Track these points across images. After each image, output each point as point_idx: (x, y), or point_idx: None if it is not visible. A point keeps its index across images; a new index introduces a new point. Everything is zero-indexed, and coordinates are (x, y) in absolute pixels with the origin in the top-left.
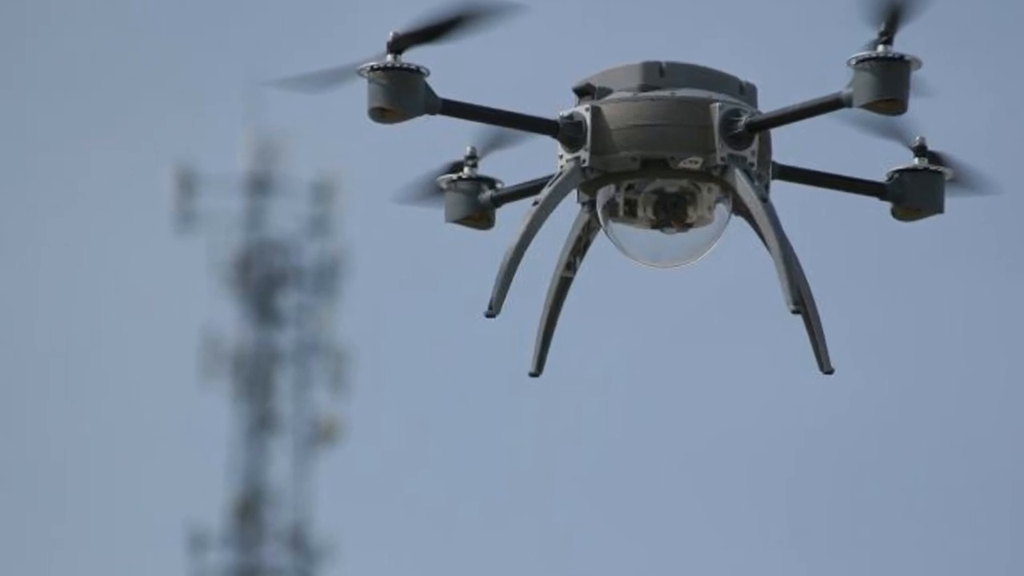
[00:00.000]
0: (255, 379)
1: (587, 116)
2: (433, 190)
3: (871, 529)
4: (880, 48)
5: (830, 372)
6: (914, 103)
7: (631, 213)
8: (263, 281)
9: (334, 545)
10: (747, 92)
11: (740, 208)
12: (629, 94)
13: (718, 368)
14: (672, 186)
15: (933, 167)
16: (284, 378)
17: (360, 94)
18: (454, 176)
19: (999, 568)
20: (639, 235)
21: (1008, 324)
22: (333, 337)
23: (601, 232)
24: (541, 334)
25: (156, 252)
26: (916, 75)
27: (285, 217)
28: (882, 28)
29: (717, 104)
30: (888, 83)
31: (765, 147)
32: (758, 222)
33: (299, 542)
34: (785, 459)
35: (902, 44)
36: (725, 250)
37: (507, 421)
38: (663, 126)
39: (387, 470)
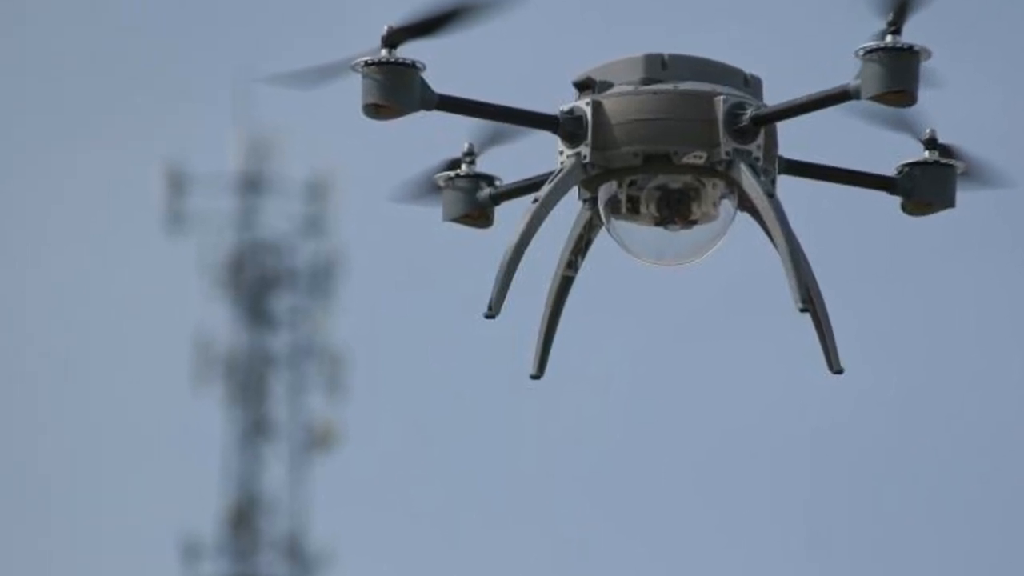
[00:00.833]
0: (249, 383)
1: (588, 111)
2: (430, 188)
3: (882, 530)
4: (888, 38)
5: (839, 372)
6: (924, 95)
7: (634, 210)
8: (256, 283)
9: (331, 553)
10: (752, 85)
11: (746, 204)
12: (631, 88)
13: (723, 368)
14: (676, 182)
15: (944, 160)
16: (278, 382)
17: (354, 90)
18: (451, 173)
19: (1014, 567)
20: (642, 233)
21: (1021, 320)
22: (328, 340)
23: (603, 230)
24: (542, 335)
25: (146, 253)
26: (926, 66)
27: (278, 217)
28: (890, 18)
29: (721, 97)
30: (897, 74)
31: (771, 141)
32: (764, 218)
33: (295, 551)
34: (792, 460)
35: (911, 34)
36: (730, 247)
37: (507, 424)
38: (666, 120)
39: (385, 476)
